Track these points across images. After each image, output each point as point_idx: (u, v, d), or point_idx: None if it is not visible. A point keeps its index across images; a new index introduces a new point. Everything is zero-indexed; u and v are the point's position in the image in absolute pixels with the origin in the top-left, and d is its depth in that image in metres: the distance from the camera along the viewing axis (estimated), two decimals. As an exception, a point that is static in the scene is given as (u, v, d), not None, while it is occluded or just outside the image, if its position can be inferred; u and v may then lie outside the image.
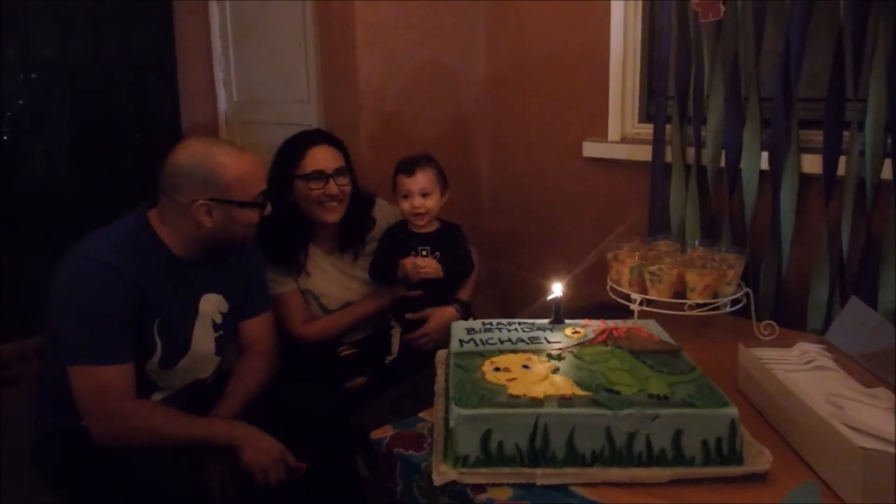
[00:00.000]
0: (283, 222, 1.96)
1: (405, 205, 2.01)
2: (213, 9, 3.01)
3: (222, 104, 3.09)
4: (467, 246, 2.13)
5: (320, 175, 1.97)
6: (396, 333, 2.08)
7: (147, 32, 2.93)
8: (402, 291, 2.06)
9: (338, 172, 2.00)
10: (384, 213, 2.18)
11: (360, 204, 2.10)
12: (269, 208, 1.69)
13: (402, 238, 2.06)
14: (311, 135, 2.06)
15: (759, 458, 1.12)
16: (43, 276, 1.56)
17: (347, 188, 2.03)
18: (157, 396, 1.66)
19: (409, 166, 2.01)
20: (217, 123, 3.08)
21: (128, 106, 2.90)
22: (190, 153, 1.60)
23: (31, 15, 2.61)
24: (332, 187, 1.98)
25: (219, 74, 3.06)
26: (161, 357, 1.63)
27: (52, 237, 2.67)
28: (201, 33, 3.03)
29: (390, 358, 2.06)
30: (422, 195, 2.00)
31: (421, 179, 1.99)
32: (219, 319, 1.74)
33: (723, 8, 1.95)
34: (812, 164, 1.89)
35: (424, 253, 2.03)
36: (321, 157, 1.99)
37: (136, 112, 2.92)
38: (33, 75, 2.66)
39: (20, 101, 2.64)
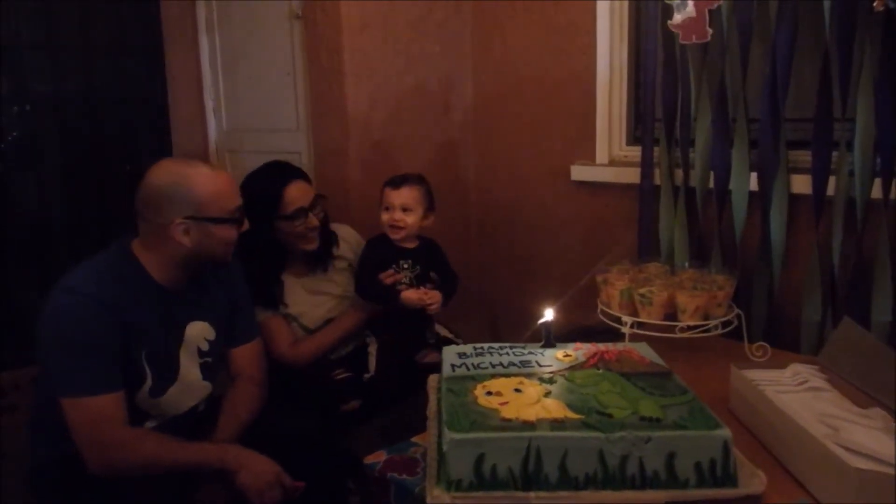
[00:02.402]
0: (260, 261, 2.00)
1: (385, 216, 2.05)
2: (203, 40, 3.02)
3: (212, 133, 3.09)
4: (448, 261, 2.18)
5: (301, 212, 2.01)
6: (373, 350, 2.09)
7: (138, 65, 2.95)
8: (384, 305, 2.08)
9: (314, 204, 2.04)
10: (344, 232, 2.25)
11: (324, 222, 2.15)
12: (245, 224, 1.70)
13: (384, 252, 2.08)
14: (280, 173, 2.06)
15: (754, 479, 1.11)
16: (37, 305, 1.57)
17: (321, 215, 2.08)
18: (149, 425, 1.66)
19: (397, 180, 2.06)
20: (207, 153, 3.08)
21: (119, 137, 2.91)
22: (164, 174, 1.61)
23: (26, 49, 2.64)
24: (313, 220, 2.05)
25: (209, 104, 3.07)
26: (151, 386, 1.63)
27: (46, 267, 2.68)
28: (191, 64, 3.04)
29: (368, 375, 2.07)
30: (402, 209, 2.03)
31: (405, 194, 2.04)
32: (205, 347, 1.74)
33: (709, 31, 1.96)
34: (801, 184, 1.89)
35: (406, 266, 2.06)
36: (299, 195, 2.02)
37: (127, 143, 2.93)
38: (27, 107, 2.68)
39: (14, 133, 2.66)
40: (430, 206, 2.09)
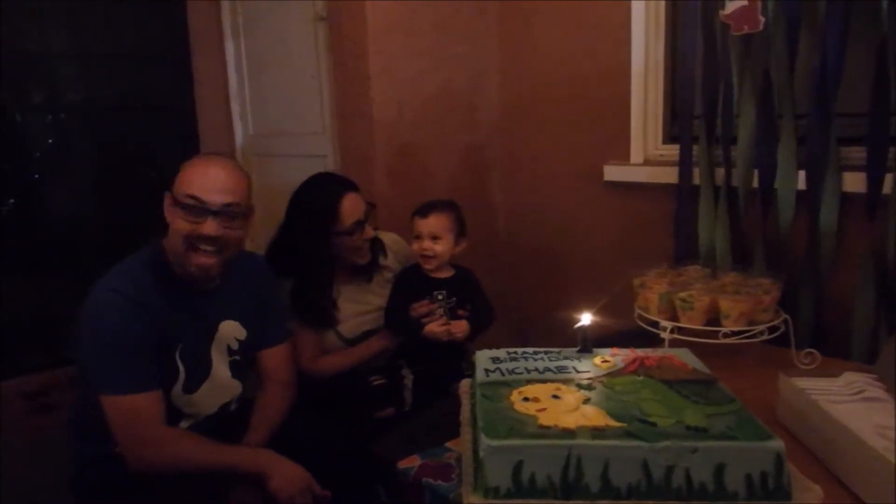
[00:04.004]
0: (316, 277, 1.99)
1: (415, 245, 2.03)
2: (229, 45, 3.04)
3: (239, 138, 3.11)
4: (484, 292, 2.12)
5: (358, 225, 1.98)
6: (409, 383, 2.04)
7: (165, 72, 2.96)
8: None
9: (367, 216, 2.01)
10: (391, 240, 2.21)
11: None
12: (215, 228, 1.60)
13: (418, 282, 2.05)
14: (333, 187, 2.01)
15: (808, 493, 1.06)
16: (72, 306, 1.62)
17: (374, 225, 2.05)
18: (183, 424, 1.69)
19: (424, 209, 2.03)
20: (234, 157, 3.07)
21: (148, 143, 2.93)
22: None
23: (56, 58, 2.67)
24: (369, 231, 2.02)
25: (235, 109, 3.08)
26: (184, 382, 1.66)
27: (80, 270, 2.67)
28: (217, 70, 3.05)
29: (406, 409, 2.02)
30: (431, 238, 2.00)
31: (433, 222, 2.00)
32: (235, 345, 1.77)
33: (762, 19, 1.87)
34: (854, 182, 1.82)
35: (441, 297, 2.02)
36: (354, 209, 1.98)
37: (156, 149, 2.94)
38: (62, 115, 2.71)
39: (49, 141, 2.68)
40: (460, 232, 2.05)
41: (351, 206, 1.97)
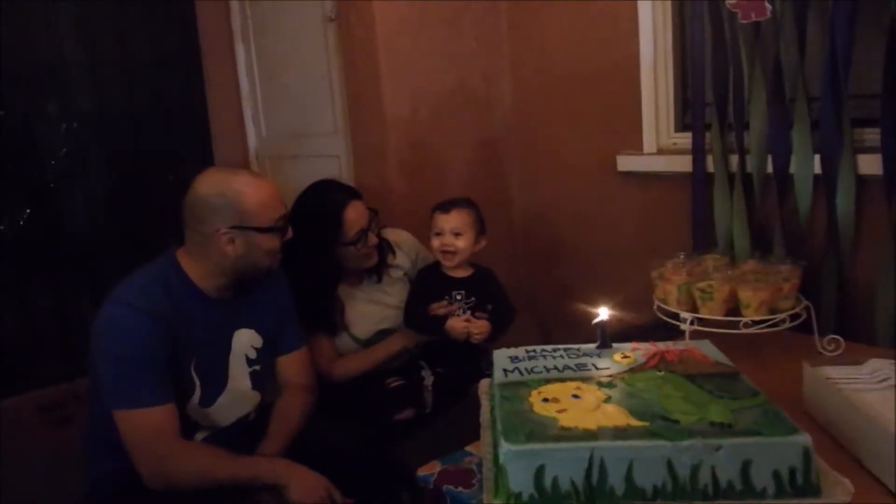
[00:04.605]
0: (318, 285, 1.98)
1: (436, 242, 2.01)
2: (239, 49, 3.04)
3: (252, 141, 3.10)
4: (504, 291, 2.09)
5: (362, 234, 1.97)
6: (429, 384, 2.03)
7: (177, 77, 2.98)
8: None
9: (371, 222, 2.00)
10: (400, 238, 2.19)
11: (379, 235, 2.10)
12: (290, 233, 1.70)
13: (436, 282, 2.03)
14: (335, 196, 1.99)
15: (838, 487, 1.04)
16: (88, 316, 1.63)
17: (377, 230, 2.04)
18: (199, 436, 1.67)
19: (446, 205, 2.01)
20: (248, 160, 3.09)
21: (162, 149, 2.94)
22: (209, 183, 1.62)
23: (69, 67, 2.69)
24: (373, 238, 2.00)
25: (247, 111, 3.08)
26: (201, 396, 1.65)
27: (97, 278, 2.71)
28: (228, 73, 3.05)
29: (427, 411, 2.01)
30: (453, 234, 1.98)
31: (455, 218, 1.99)
32: (253, 355, 1.75)
33: (769, 7, 1.85)
34: (870, 164, 1.79)
35: (459, 297, 2.00)
36: (357, 217, 1.96)
37: (169, 154, 2.96)
38: (74, 124, 2.72)
39: (64, 150, 2.70)
40: (481, 229, 2.04)
41: (355, 215, 1.95)
